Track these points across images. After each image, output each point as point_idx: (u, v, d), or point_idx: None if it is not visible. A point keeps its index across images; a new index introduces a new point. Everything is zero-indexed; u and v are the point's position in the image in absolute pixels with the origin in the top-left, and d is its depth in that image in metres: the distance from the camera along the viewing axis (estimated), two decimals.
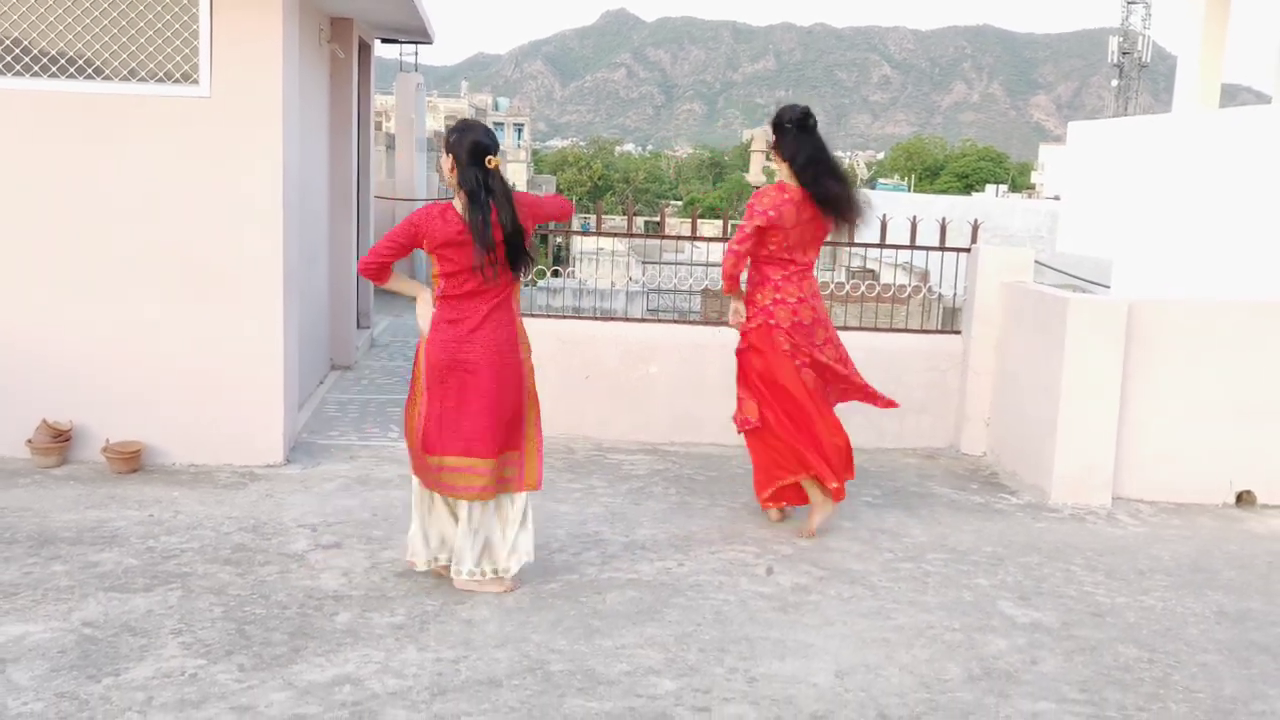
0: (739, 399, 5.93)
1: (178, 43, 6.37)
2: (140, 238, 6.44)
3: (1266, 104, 12.84)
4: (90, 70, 6.36)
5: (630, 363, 7.71)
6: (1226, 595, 5.28)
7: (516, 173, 58.62)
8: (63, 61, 6.35)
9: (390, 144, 17.51)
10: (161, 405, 6.54)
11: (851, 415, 7.73)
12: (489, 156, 4.63)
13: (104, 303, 6.46)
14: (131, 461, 6.41)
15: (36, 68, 6.33)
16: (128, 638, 4.24)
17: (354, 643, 4.29)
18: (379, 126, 20.06)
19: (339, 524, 5.66)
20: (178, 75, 6.40)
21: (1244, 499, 6.84)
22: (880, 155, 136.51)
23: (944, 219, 8.19)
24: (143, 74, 6.39)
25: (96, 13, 6.33)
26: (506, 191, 4.68)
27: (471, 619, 4.55)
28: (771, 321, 5.73)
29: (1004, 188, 58.78)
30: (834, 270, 16.64)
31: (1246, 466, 6.82)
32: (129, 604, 4.55)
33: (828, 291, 8.79)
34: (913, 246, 7.98)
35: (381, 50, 12.57)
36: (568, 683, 4.04)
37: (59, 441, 6.43)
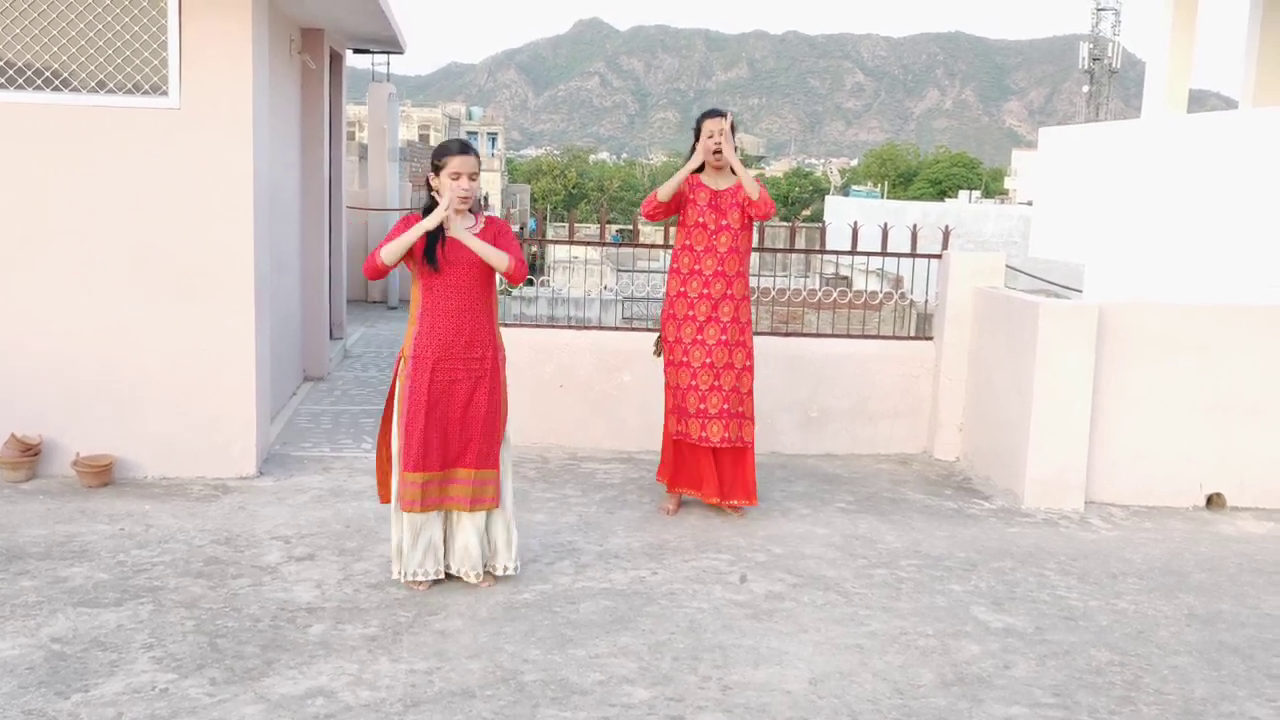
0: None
1: (146, 54, 6.34)
2: (110, 251, 6.40)
3: (1234, 109, 12.97)
4: (58, 82, 6.33)
5: (604, 371, 7.71)
6: (1197, 597, 5.31)
7: (491, 182, 58.55)
8: (29, 74, 6.31)
9: (363, 154, 17.45)
10: (132, 418, 6.50)
11: (826, 422, 7.78)
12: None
13: (74, 316, 6.42)
14: (102, 475, 6.36)
15: (3, 79, 6.28)
16: (97, 653, 4.21)
17: (327, 655, 4.27)
18: (351, 136, 20.00)
19: (312, 536, 5.64)
20: (147, 87, 6.37)
21: (1214, 501, 6.89)
22: (854, 162, 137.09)
23: (914, 226, 8.23)
24: (112, 85, 6.36)
25: (64, 24, 6.30)
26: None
27: (445, 630, 4.54)
28: None
29: (977, 193, 59.13)
30: (808, 277, 16.71)
31: (1216, 469, 6.87)
32: (99, 619, 4.52)
33: (800, 299, 8.82)
34: (884, 254, 8.02)
35: (354, 60, 12.57)
36: (541, 693, 4.03)
37: (28, 455, 6.38)
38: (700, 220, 6.06)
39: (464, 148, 4.86)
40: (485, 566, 5.05)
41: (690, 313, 6.09)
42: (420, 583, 4.95)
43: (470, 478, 4.90)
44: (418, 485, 4.83)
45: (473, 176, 4.81)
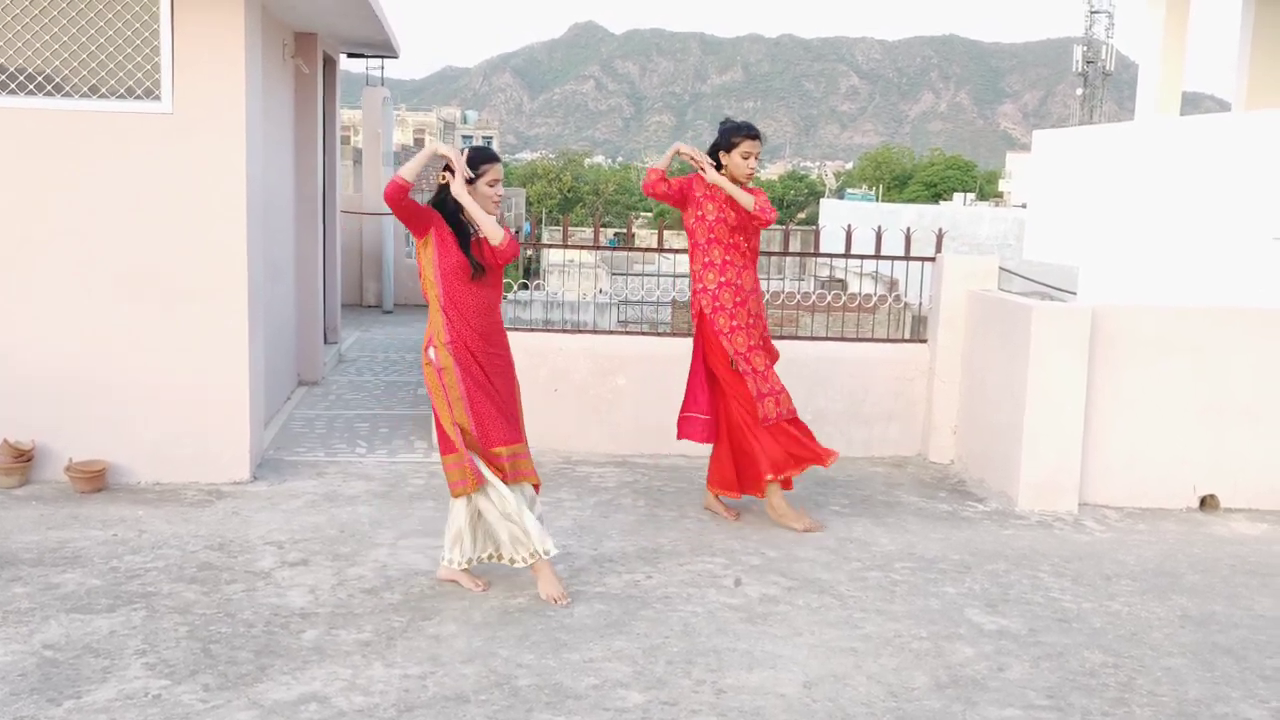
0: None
1: (139, 59, 6.34)
2: (103, 254, 6.40)
3: (1227, 111, 12.99)
4: (51, 87, 6.32)
5: (599, 375, 7.71)
6: (1190, 599, 5.32)
7: None
8: (21, 79, 6.30)
9: (357, 158, 17.47)
10: (126, 423, 6.49)
11: (821, 425, 7.77)
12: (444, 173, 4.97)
13: (67, 321, 6.41)
14: (95, 481, 6.35)
15: None
16: (90, 659, 4.20)
17: (320, 660, 4.27)
18: (346, 141, 20.00)
19: (306, 541, 5.63)
20: (140, 92, 6.37)
21: (1207, 503, 6.89)
22: (849, 165, 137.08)
23: (908, 228, 8.24)
24: (104, 90, 6.35)
25: (57, 29, 6.29)
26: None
27: (439, 635, 4.54)
28: None
29: (972, 196, 59.13)
30: (802, 280, 16.72)
31: (1210, 470, 6.88)
32: (91, 625, 4.51)
33: (794, 302, 8.82)
34: (878, 256, 8.02)
35: (348, 64, 12.55)
36: (535, 697, 4.03)
37: (21, 461, 6.37)
38: (721, 216, 6.07)
39: (496, 156, 5.02)
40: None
41: (739, 299, 6.10)
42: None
43: (513, 452, 4.99)
44: (504, 459, 4.92)
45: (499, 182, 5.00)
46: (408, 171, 4.75)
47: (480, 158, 4.93)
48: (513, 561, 5.00)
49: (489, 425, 4.91)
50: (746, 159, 6.02)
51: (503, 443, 4.93)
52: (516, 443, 5.01)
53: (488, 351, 4.95)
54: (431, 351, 4.91)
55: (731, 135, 6.09)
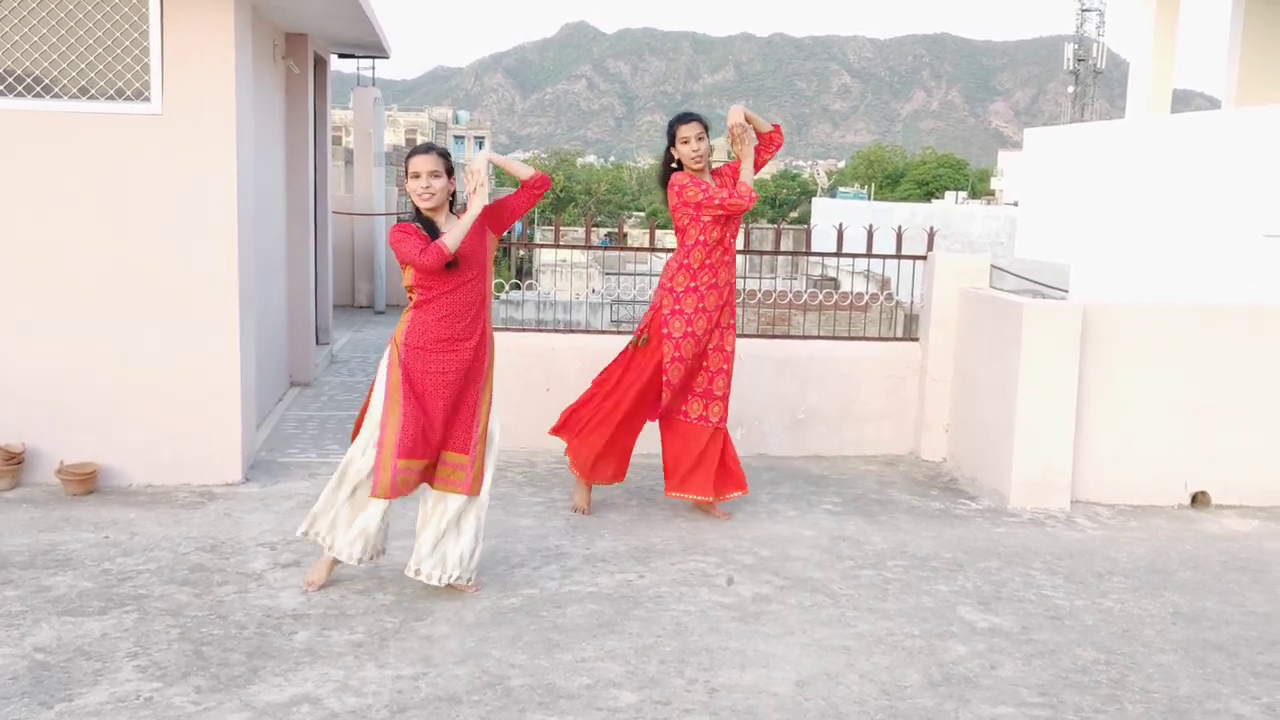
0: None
1: (128, 60, 6.32)
2: (94, 256, 6.38)
3: (1217, 109, 13.02)
4: (39, 88, 6.31)
5: (591, 375, 7.68)
6: (1182, 596, 5.33)
7: None
8: (10, 80, 6.29)
9: (349, 159, 17.42)
10: (117, 425, 6.47)
11: (813, 424, 7.78)
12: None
13: (57, 322, 6.39)
14: (87, 483, 6.33)
15: None
16: (81, 662, 4.19)
17: (313, 661, 4.26)
18: (337, 141, 19.97)
19: (298, 542, 5.61)
20: (129, 93, 6.35)
21: (1199, 500, 6.91)
22: (841, 164, 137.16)
23: (900, 227, 8.25)
24: (94, 91, 6.34)
25: (45, 30, 6.27)
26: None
27: (431, 635, 4.53)
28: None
29: (964, 194, 59.20)
30: (794, 279, 16.74)
31: (1201, 467, 6.89)
32: (83, 628, 4.50)
33: (787, 301, 8.82)
34: (869, 255, 8.02)
35: (339, 65, 12.54)
36: (528, 697, 4.03)
37: (11, 464, 6.35)
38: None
39: (427, 148, 4.87)
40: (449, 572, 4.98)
41: (702, 305, 6.05)
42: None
43: (441, 459, 4.89)
44: (395, 472, 4.75)
45: (434, 174, 4.78)
46: (453, 242, 4.69)
47: (408, 153, 4.90)
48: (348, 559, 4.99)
49: (412, 436, 4.75)
50: (687, 143, 6.00)
51: (421, 455, 4.81)
52: (458, 451, 4.89)
53: (457, 350, 4.83)
54: (387, 349, 4.88)
55: (670, 129, 6.12)
